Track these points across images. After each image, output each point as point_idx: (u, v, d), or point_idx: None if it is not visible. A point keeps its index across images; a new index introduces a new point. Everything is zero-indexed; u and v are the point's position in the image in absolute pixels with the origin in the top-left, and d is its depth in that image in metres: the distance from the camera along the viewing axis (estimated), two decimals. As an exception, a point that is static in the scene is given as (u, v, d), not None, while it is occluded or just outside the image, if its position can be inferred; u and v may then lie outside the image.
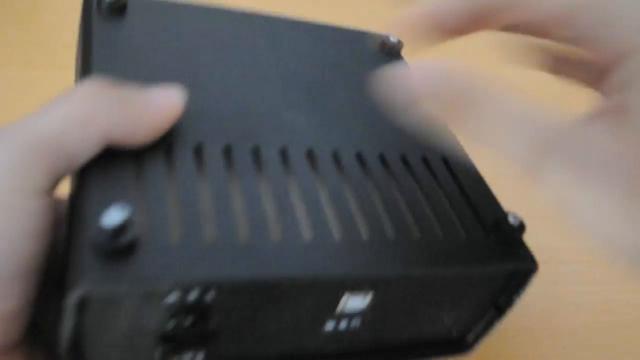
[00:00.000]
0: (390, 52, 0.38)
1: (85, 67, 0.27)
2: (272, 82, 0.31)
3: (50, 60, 0.49)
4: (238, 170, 0.25)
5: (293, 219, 0.24)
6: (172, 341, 0.22)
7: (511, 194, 0.41)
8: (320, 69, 0.34)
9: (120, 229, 0.19)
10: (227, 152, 0.25)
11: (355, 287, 0.24)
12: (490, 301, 0.30)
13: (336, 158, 0.28)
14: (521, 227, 0.28)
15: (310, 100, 0.31)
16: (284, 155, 0.27)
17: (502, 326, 0.35)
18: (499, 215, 0.28)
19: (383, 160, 0.29)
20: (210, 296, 0.21)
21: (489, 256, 0.26)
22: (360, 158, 0.29)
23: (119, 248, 0.19)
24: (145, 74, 0.27)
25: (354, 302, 0.26)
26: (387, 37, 0.38)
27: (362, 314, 0.27)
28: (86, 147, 0.22)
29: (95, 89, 0.23)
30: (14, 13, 0.53)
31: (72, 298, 0.19)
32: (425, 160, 0.31)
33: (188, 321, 0.21)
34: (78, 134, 0.21)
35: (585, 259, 0.38)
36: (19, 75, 0.48)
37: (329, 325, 0.26)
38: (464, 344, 0.31)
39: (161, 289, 0.20)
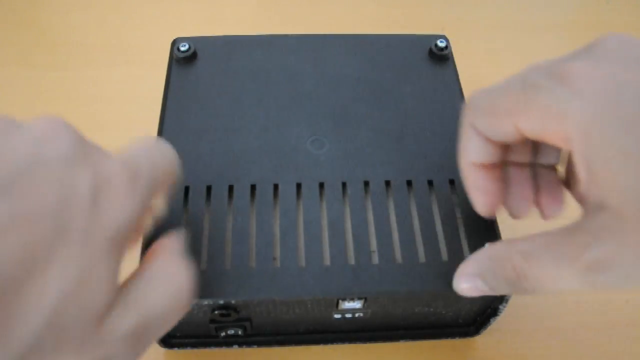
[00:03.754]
0: (439, 57, 0.37)
1: (162, 107, 0.34)
2: (305, 113, 0.34)
3: (50, 60, 0.49)
4: (263, 205, 0.30)
5: (293, 246, 0.29)
6: (217, 323, 0.30)
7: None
8: (361, 86, 0.36)
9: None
10: (253, 190, 0.31)
11: (345, 297, 0.28)
12: (482, 307, 0.31)
13: (344, 188, 0.31)
14: None
15: (337, 129, 0.34)
16: (299, 189, 0.31)
17: (502, 326, 0.35)
18: (478, 243, 0.29)
19: (388, 185, 0.31)
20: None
21: None
22: (366, 185, 0.31)
23: None
24: (205, 113, 0.34)
25: (350, 304, 0.29)
26: (436, 40, 0.38)
27: (361, 310, 0.30)
28: None
29: None
30: (14, 13, 0.53)
31: None
32: (430, 184, 0.32)
33: (223, 312, 0.28)
34: None
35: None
36: (19, 75, 0.48)
37: (337, 316, 0.31)
38: (470, 329, 0.34)
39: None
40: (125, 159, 0.22)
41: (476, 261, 0.25)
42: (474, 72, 0.49)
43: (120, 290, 0.20)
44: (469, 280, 0.25)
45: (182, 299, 0.22)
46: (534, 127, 0.22)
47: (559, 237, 0.22)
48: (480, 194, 0.26)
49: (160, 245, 0.24)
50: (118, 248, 0.20)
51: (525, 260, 0.22)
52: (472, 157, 0.26)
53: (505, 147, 0.26)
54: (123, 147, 0.23)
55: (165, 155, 0.24)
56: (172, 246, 0.24)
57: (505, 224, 0.32)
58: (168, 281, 0.22)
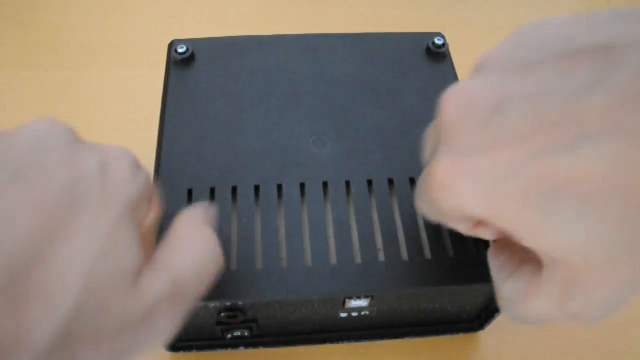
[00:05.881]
0: (436, 54, 0.38)
1: (162, 109, 0.34)
2: (306, 113, 0.34)
3: (50, 60, 0.49)
4: (266, 205, 0.30)
5: (299, 246, 0.29)
6: (223, 325, 0.30)
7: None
8: (360, 85, 0.36)
9: None
10: (257, 190, 0.31)
11: (352, 296, 0.29)
12: (486, 302, 0.32)
13: (348, 187, 0.31)
14: None
15: (338, 128, 0.34)
16: (302, 189, 0.31)
17: (503, 326, 0.35)
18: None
19: (391, 182, 0.31)
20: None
21: (464, 275, 0.28)
22: (369, 183, 0.31)
23: None
24: (205, 115, 0.34)
25: (357, 303, 0.29)
26: (433, 38, 0.38)
27: (367, 309, 0.30)
28: None
29: None
30: (14, 13, 0.52)
31: None
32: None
33: (230, 314, 0.29)
34: None
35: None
36: (19, 75, 0.48)
37: (343, 315, 0.31)
38: (474, 324, 0.34)
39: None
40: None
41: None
42: (473, 72, 0.49)
43: (151, 256, 0.21)
44: None
45: (211, 262, 0.23)
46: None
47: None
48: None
49: (185, 215, 0.25)
50: (133, 217, 0.21)
51: None
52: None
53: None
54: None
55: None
56: (196, 215, 0.25)
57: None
58: (197, 245, 0.23)
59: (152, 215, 0.24)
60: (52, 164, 0.19)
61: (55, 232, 0.18)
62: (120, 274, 0.19)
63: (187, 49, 0.36)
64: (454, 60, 0.38)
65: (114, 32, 0.52)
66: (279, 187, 0.31)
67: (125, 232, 0.20)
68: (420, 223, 0.30)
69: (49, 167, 0.19)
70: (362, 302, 0.29)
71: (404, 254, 0.29)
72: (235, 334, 0.31)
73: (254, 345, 0.33)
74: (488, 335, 0.35)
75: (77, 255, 0.18)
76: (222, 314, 0.28)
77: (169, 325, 0.21)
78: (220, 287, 0.27)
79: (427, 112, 0.35)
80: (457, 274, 0.28)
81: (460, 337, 0.35)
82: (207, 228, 0.24)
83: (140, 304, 0.19)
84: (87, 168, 0.20)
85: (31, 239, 0.17)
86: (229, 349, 0.33)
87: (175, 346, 0.32)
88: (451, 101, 0.21)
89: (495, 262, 0.24)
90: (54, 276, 0.17)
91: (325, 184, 0.31)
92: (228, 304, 0.28)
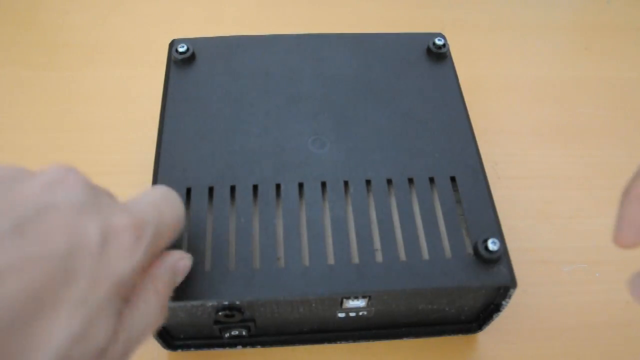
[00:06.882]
0: (437, 54, 0.38)
1: (162, 108, 0.34)
2: (306, 113, 0.34)
3: (50, 60, 0.49)
4: (264, 205, 0.30)
5: (297, 245, 0.29)
6: (221, 324, 0.30)
7: (513, 195, 0.42)
8: (360, 85, 0.36)
9: None
10: (255, 190, 0.31)
11: (349, 296, 0.28)
12: (484, 303, 0.32)
13: (346, 187, 0.31)
14: (501, 251, 0.29)
15: (337, 128, 0.34)
16: (301, 188, 0.31)
17: (503, 326, 0.35)
18: (480, 239, 0.29)
19: (389, 183, 0.31)
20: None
21: (462, 276, 0.28)
22: (368, 183, 0.31)
23: None
24: (205, 114, 0.34)
25: (354, 303, 0.29)
26: (433, 39, 0.38)
27: (365, 309, 0.30)
28: None
29: None
30: (14, 13, 0.52)
31: None
32: (431, 181, 0.32)
33: (228, 313, 0.28)
34: None
35: (585, 259, 0.38)
36: (19, 75, 0.48)
37: (341, 315, 0.31)
38: (473, 326, 0.34)
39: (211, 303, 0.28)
40: (133, 211, 0.22)
41: None
42: (473, 72, 0.49)
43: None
44: None
45: (156, 322, 0.23)
46: None
47: None
48: (632, 229, 0.24)
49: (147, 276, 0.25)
50: (121, 293, 0.20)
51: None
52: None
53: None
54: (133, 196, 0.24)
55: (174, 208, 0.25)
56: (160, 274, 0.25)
57: (504, 224, 0.32)
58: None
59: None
60: (53, 227, 0.19)
61: (41, 302, 0.17)
62: (92, 355, 0.19)
63: (188, 49, 0.36)
64: (454, 59, 0.38)
65: (114, 32, 0.52)
66: (278, 186, 0.31)
67: (106, 314, 0.19)
68: (418, 223, 0.30)
69: (49, 229, 0.18)
70: (360, 303, 0.29)
71: (402, 254, 0.29)
72: (233, 333, 0.31)
73: (252, 344, 0.33)
74: (487, 335, 0.35)
75: (56, 333, 0.17)
76: (220, 313, 0.28)
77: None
78: (217, 286, 0.27)
79: (427, 112, 0.35)
80: (455, 275, 0.28)
81: (460, 337, 0.34)
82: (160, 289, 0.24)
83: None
84: (87, 238, 0.19)
85: (16, 303, 0.17)
86: (227, 348, 0.33)
87: (173, 345, 0.32)
88: None
89: None
90: (30, 348, 0.17)
91: (324, 184, 0.31)
92: (225, 303, 0.28)
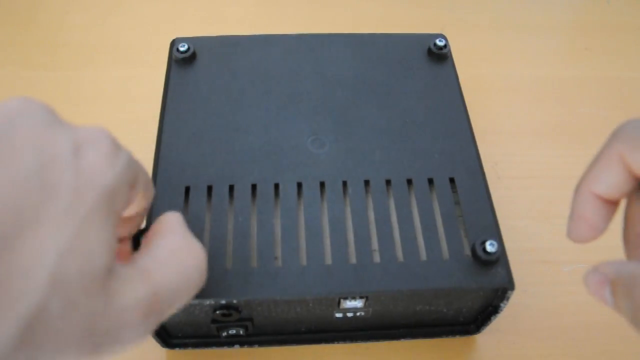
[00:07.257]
0: (438, 55, 0.38)
1: (162, 107, 0.34)
2: (305, 113, 0.34)
3: (50, 60, 0.49)
4: (263, 205, 0.30)
5: (295, 245, 0.29)
6: (218, 323, 0.30)
7: (513, 195, 0.41)
8: (360, 85, 0.36)
9: None
10: (254, 189, 0.31)
11: (346, 296, 0.28)
12: (482, 305, 0.31)
13: (345, 187, 0.31)
14: (499, 252, 0.28)
15: (337, 128, 0.34)
16: (299, 188, 0.31)
17: (502, 326, 0.35)
18: (478, 240, 0.29)
19: (388, 183, 0.31)
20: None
21: (459, 277, 0.28)
22: (366, 184, 0.31)
23: None
24: (205, 113, 0.34)
25: (352, 303, 0.29)
26: (434, 39, 0.38)
27: (362, 310, 0.30)
28: None
29: None
30: (14, 13, 0.53)
31: None
32: (430, 182, 0.32)
33: (225, 312, 0.28)
34: None
35: (585, 259, 0.38)
36: (19, 75, 0.48)
37: (338, 315, 0.31)
38: (471, 327, 0.34)
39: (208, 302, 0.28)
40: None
41: (616, 266, 0.22)
42: (473, 72, 0.49)
43: (130, 260, 0.20)
44: (598, 283, 0.22)
45: (196, 277, 0.22)
46: None
47: None
48: (585, 226, 0.24)
49: (165, 223, 0.23)
50: (110, 208, 0.19)
51: None
52: (599, 188, 0.23)
53: None
54: None
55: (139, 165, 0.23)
56: (179, 223, 0.24)
57: (504, 224, 0.32)
58: (183, 257, 0.22)
59: (140, 201, 0.23)
60: (20, 145, 0.17)
61: (23, 220, 0.16)
62: (89, 274, 0.17)
63: (189, 48, 0.36)
64: (455, 59, 0.38)
65: (114, 32, 0.52)
66: (276, 186, 0.31)
67: (99, 226, 0.18)
68: (417, 224, 0.30)
69: (15, 148, 0.17)
70: (357, 303, 0.29)
71: (400, 255, 0.29)
72: (230, 332, 0.31)
73: (250, 344, 0.33)
74: (487, 336, 0.34)
75: (44, 249, 0.16)
76: (217, 312, 0.28)
77: (137, 337, 0.19)
78: (215, 285, 0.27)
79: (427, 113, 0.35)
80: (452, 276, 0.28)
81: (459, 338, 0.34)
82: (194, 240, 0.23)
83: (107, 309, 0.18)
84: (59, 150, 0.18)
85: None
86: (225, 347, 0.33)
87: (171, 343, 0.32)
88: None
89: None
90: (18, 270, 0.16)
91: (322, 184, 0.31)
92: (223, 302, 0.28)
